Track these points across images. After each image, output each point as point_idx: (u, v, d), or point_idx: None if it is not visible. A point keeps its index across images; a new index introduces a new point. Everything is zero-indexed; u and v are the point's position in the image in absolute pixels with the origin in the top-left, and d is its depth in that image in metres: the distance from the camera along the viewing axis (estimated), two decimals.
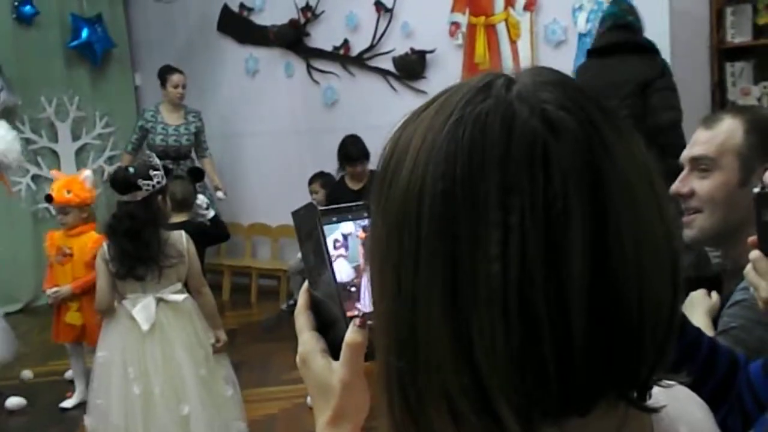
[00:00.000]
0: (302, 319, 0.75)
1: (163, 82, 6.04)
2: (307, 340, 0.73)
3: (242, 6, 6.60)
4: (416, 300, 0.53)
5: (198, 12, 6.88)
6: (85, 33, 6.89)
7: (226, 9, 6.70)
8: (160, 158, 5.81)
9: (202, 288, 3.21)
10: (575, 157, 0.51)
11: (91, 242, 3.94)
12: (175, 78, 5.98)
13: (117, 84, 7.26)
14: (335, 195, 5.20)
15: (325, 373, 0.71)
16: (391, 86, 5.84)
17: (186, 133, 6.01)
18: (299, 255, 4.91)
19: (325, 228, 0.77)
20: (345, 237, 0.79)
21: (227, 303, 6.33)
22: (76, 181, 4.15)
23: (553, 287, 0.50)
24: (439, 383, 0.53)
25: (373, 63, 5.91)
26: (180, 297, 3.08)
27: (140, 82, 7.45)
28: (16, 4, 6.56)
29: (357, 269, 0.79)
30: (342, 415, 0.71)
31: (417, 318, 0.53)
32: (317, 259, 0.77)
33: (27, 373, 4.69)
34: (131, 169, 3.02)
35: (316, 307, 0.76)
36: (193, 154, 6.16)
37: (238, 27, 6.66)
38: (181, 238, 3.10)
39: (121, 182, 2.97)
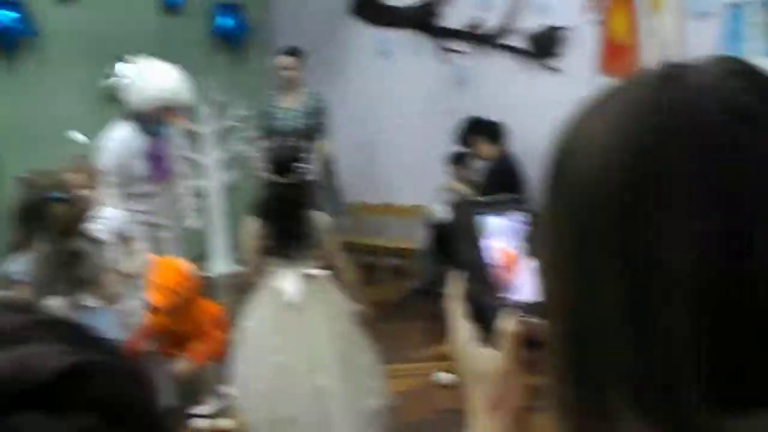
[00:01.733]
0: (456, 308, 0.77)
1: None
2: (462, 328, 0.76)
3: None
4: (595, 288, 0.53)
5: None
6: (227, 20, 7.16)
7: None
8: (280, 142, 5.92)
9: (342, 264, 3.32)
10: (766, 147, 0.50)
11: (209, 315, 3.57)
12: (281, 60, 5.91)
13: (257, 68, 7.51)
14: None
15: (481, 361, 0.73)
16: (524, 64, 5.74)
17: (300, 116, 5.91)
18: (429, 236, 4.95)
19: (479, 219, 0.79)
20: (499, 228, 0.80)
21: (357, 280, 6.44)
22: (172, 271, 3.54)
23: (745, 281, 0.49)
24: (619, 370, 0.53)
25: (506, 41, 5.83)
26: (322, 272, 3.19)
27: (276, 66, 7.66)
28: None
29: (510, 259, 0.80)
30: (499, 403, 0.72)
31: (596, 306, 0.53)
32: (470, 249, 0.78)
33: None
34: (289, 153, 3.16)
35: (469, 295, 0.78)
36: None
37: (371, 9, 6.73)
38: (323, 217, 3.22)
39: (281, 166, 3.10)
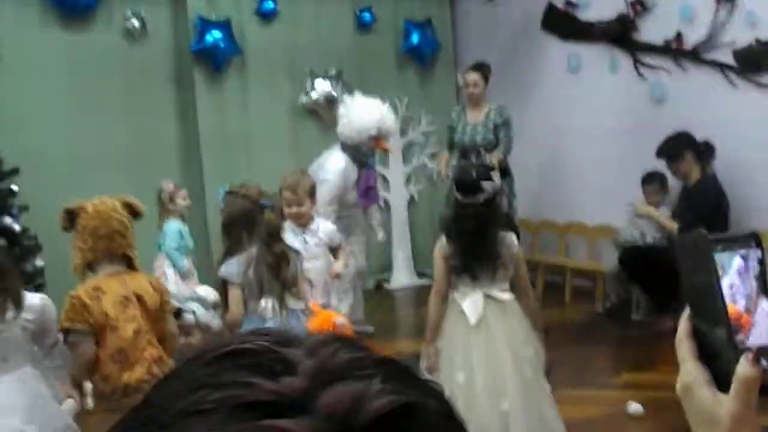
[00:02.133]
0: (685, 347, 0.76)
1: None
2: (692, 369, 0.74)
3: (567, 2, 6.55)
4: None
5: (522, 10, 6.96)
6: (415, 37, 7.33)
7: (550, 6, 6.69)
8: (461, 156, 5.96)
9: (529, 291, 3.26)
10: None
11: None
12: (466, 77, 5.98)
13: (441, 84, 7.62)
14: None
15: (711, 405, 0.72)
16: (730, 81, 5.39)
17: (483, 131, 5.92)
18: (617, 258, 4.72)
19: (714, 255, 0.75)
20: (733, 266, 0.76)
21: (540, 300, 6.32)
22: (326, 324, 3.51)
23: None
24: None
25: (710, 56, 5.51)
26: (507, 296, 3.14)
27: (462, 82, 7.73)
28: (357, 12, 7.17)
29: (746, 299, 0.76)
30: None
31: None
32: (704, 287, 0.75)
33: None
34: (474, 172, 3.14)
35: (698, 335, 0.76)
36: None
37: (562, 24, 6.61)
38: (512, 240, 3.16)
39: (467, 185, 3.09)
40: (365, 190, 5.41)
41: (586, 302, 6.11)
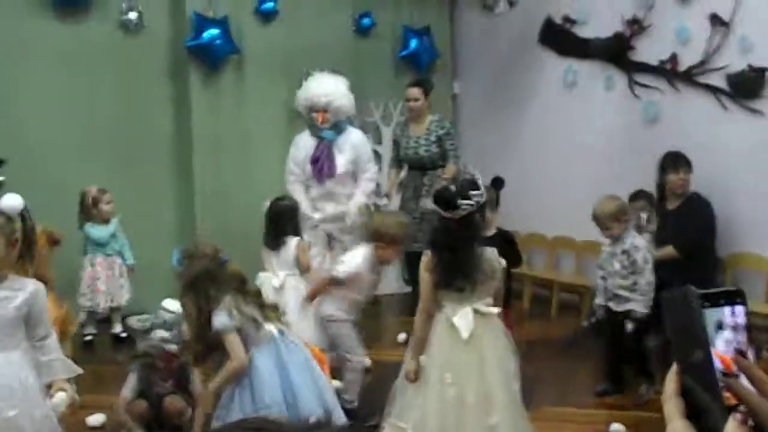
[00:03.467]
0: (672, 405, 0.76)
1: None
2: (680, 428, 0.74)
3: (566, 18, 6.57)
4: None
5: (521, 24, 6.99)
6: (413, 44, 7.33)
7: (549, 21, 6.72)
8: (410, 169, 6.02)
9: (502, 307, 3.27)
10: None
11: None
12: (407, 92, 6.14)
13: (437, 92, 7.58)
14: None
15: None
16: (722, 105, 5.43)
17: (425, 144, 6.01)
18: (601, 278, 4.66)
19: (703, 312, 0.76)
20: (720, 322, 0.77)
21: (526, 313, 6.34)
22: None
23: None
24: None
25: (703, 79, 5.54)
26: (494, 309, 3.15)
27: (458, 90, 7.75)
28: (357, 17, 7.17)
29: (733, 357, 0.77)
30: None
31: None
32: (691, 345, 0.76)
33: None
34: (453, 188, 3.15)
35: (686, 392, 0.76)
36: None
37: (560, 39, 6.64)
38: (495, 256, 3.18)
39: (443, 201, 3.11)
40: (314, 160, 5.51)
41: (571, 317, 6.13)
